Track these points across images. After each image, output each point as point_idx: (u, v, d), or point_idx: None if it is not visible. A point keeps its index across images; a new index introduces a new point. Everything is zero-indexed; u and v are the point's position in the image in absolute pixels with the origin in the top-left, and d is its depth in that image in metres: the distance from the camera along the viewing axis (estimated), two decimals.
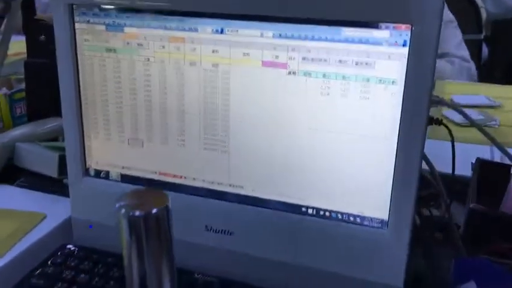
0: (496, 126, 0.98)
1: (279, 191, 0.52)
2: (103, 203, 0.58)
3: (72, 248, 0.59)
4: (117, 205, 0.34)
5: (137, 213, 0.33)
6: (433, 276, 0.54)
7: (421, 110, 0.45)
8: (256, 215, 0.53)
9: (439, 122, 0.61)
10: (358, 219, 0.50)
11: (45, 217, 0.64)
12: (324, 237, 0.51)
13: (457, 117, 0.93)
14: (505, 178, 0.61)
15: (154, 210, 0.33)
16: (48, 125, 0.79)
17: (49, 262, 0.56)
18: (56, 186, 0.70)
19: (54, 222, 0.63)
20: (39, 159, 0.70)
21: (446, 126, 0.62)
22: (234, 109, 0.51)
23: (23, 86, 0.89)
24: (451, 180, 0.63)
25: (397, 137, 0.46)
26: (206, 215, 0.55)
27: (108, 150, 0.58)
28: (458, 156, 0.64)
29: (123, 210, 0.33)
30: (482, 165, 0.67)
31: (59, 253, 0.58)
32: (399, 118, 0.46)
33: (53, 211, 0.65)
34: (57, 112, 0.67)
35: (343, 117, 0.48)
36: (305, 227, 0.52)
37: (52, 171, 0.69)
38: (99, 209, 0.59)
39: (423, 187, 0.62)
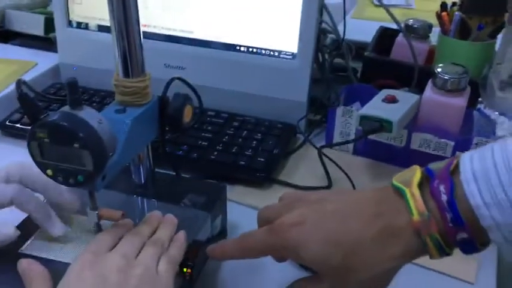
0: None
1: (219, 34, 0.70)
2: (84, 49, 0.75)
3: (60, 85, 0.76)
4: None
5: None
6: (328, 100, 0.74)
7: None
8: (203, 53, 0.71)
9: None
10: (276, 53, 0.68)
11: (36, 64, 0.80)
12: (252, 68, 0.69)
13: None
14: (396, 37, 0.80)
15: None
16: None
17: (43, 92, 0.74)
18: (44, 44, 0.85)
19: (44, 67, 0.79)
20: (28, 21, 0.85)
21: None
22: None
23: None
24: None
25: None
26: (165, 55, 0.73)
27: (87, 6, 0.74)
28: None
29: None
30: (382, 31, 0.85)
31: (51, 87, 0.75)
32: None
33: (43, 60, 0.81)
34: None
35: None
36: (239, 61, 0.70)
37: (39, 31, 0.84)
38: (81, 54, 0.75)
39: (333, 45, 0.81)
